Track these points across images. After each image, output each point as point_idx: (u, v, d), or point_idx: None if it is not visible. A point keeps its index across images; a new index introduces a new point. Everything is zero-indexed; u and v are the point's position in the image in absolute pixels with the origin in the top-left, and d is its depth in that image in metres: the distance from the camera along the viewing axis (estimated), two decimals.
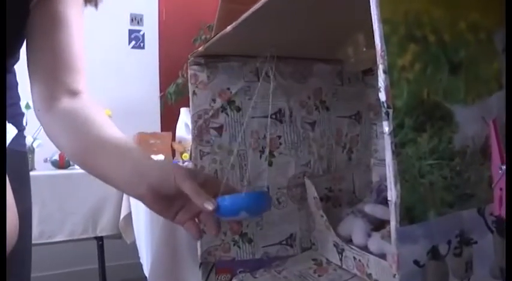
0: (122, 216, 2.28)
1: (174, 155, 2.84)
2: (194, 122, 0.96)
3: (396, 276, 0.47)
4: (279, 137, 1.03)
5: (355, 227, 0.92)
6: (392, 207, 0.46)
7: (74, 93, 0.81)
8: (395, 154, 0.46)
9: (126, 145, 0.76)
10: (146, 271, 1.67)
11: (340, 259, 0.96)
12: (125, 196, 2.26)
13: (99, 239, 2.47)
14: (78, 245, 2.47)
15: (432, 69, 0.50)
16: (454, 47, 0.53)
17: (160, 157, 2.58)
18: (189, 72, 0.95)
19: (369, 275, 0.86)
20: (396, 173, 0.46)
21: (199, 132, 0.96)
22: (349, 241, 0.93)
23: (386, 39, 0.46)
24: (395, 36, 0.47)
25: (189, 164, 2.13)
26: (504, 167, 0.54)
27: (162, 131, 3.26)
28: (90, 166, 0.78)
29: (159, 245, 1.41)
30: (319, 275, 0.96)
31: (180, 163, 2.43)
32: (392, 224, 0.46)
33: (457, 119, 0.52)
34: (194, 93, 0.96)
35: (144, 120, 3.14)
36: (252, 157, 1.01)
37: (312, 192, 1.00)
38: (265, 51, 0.93)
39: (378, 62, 0.46)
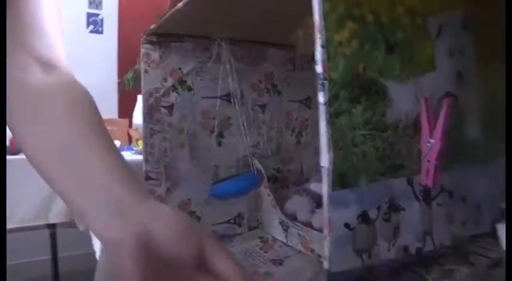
0: None
1: (130, 141, 2.83)
2: (145, 100, 0.97)
3: (328, 238, 0.50)
4: (229, 118, 1.06)
5: (300, 205, 0.96)
6: (324, 172, 0.49)
7: (47, 63, 0.63)
8: (330, 123, 0.49)
9: (116, 162, 0.54)
10: (98, 256, 1.66)
11: (286, 236, 0.99)
12: None
13: (52, 227, 2.42)
14: (29, 235, 2.42)
15: (369, 47, 0.54)
16: (391, 29, 0.57)
17: (116, 144, 2.57)
18: (142, 50, 0.96)
19: (313, 251, 0.89)
20: (330, 141, 0.49)
21: (150, 110, 0.98)
22: (294, 218, 0.97)
23: (324, 15, 0.49)
24: (334, 14, 0.51)
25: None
26: (432, 140, 0.58)
27: (119, 117, 3.24)
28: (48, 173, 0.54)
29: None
30: (265, 252, 0.99)
31: (136, 149, 2.43)
32: (325, 188, 0.50)
33: (391, 95, 0.56)
34: (146, 71, 0.97)
35: (101, 107, 3.06)
36: (201, 137, 1.03)
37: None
38: (218, 33, 0.95)
39: (315, 37, 0.49)
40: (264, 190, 1.02)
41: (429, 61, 0.62)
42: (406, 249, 0.60)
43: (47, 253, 2.53)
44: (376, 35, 0.54)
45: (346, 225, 0.52)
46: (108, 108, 3.24)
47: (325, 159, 0.49)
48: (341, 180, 0.51)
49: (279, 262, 0.91)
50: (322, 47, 0.49)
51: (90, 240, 2.02)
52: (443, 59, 0.64)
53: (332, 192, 0.50)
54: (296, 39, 1.00)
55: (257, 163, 1.04)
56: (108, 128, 2.07)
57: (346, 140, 0.51)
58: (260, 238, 1.06)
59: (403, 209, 0.58)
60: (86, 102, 0.62)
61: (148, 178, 0.98)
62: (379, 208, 0.55)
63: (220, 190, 0.99)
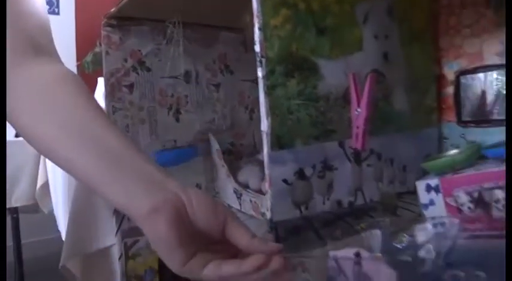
0: (38, 185, 2.20)
1: None
2: (107, 79, 1.04)
3: (269, 192, 0.60)
4: (186, 96, 1.14)
5: (252, 174, 1.05)
6: (264, 136, 0.59)
7: (47, 53, 0.63)
8: (267, 94, 0.59)
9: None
10: (63, 237, 1.70)
11: (240, 204, 1.08)
12: (41, 164, 2.18)
13: (14, 212, 2.36)
14: None
15: (301, 30, 0.63)
16: (321, 15, 0.67)
17: None
18: (103, 33, 1.03)
19: (263, 214, 0.99)
20: (268, 109, 0.59)
21: (112, 89, 1.05)
22: (246, 186, 1.06)
23: (261, 2, 0.58)
24: (270, 1, 0.60)
25: None
26: (359, 109, 0.68)
27: None
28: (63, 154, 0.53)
29: (77, 202, 1.48)
30: None
31: None
32: (265, 150, 0.59)
33: (322, 71, 0.66)
34: (107, 53, 1.04)
35: None
36: (160, 113, 1.11)
37: (215, 145, 1.12)
38: (172, 17, 1.02)
39: (254, 21, 0.58)
40: (219, 162, 1.11)
41: (357, 43, 0.72)
42: (339, 202, 0.70)
43: (9, 239, 2.52)
44: (307, 20, 0.64)
45: (285, 181, 0.62)
46: None
47: (264, 124, 0.59)
48: (279, 142, 0.60)
49: None
50: (260, 29, 0.58)
51: (53, 224, 2.03)
52: (369, 41, 0.75)
53: (271, 152, 0.59)
54: (245, 23, 1.08)
55: (212, 138, 1.13)
56: None
57: (282, 109, 0.61)
58: None
59: (336, 169, 0.68)
60: (87, 90, 0.60)
61: None
62: (314, 167, 0.65)
63: (160, 157, 1.08)
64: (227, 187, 1.11)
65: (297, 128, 0.63)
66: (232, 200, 1.10)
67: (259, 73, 0.59)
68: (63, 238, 1.62)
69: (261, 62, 0.59)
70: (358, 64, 0.72)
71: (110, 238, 1.43)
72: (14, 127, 0.55)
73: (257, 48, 0.59)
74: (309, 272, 0.57)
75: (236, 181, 1.07)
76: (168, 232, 0.46)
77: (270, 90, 0.59)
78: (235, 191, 1.08)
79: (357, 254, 0.57)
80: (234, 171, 1.09)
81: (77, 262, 1.56)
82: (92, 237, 1.47)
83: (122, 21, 1.06)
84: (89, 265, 1.54)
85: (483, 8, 0.87)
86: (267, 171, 0.60)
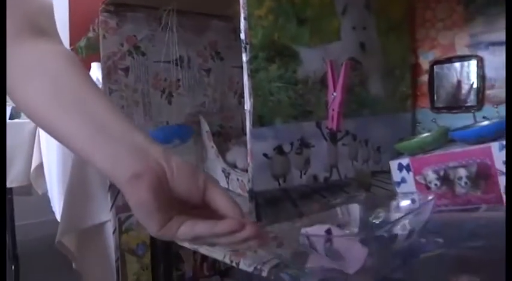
0: (33, 167, 2.22)
1: None
2: (104, 62, 1.11)
3: (250, 165, 0.67)
4: (178, 80, 1.21)
5: (239, 155, 1.12)
6: (247, 114, 0.66)
7: (44, 33, 0.64)
8: (251, 76, 0.66)
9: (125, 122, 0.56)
10: (58, 217, 1.74)
11: (228, 182, 1.15)
12: (35, 146, 2.21)
13: (9, 193, 2.38)
14: None
15: (282, 20, 0.70)
16: (302, 6, 0.73)
17: None
18: (100, 18, 1.09)
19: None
20: (250, 90, 0.66)
21: (108, 71, 1.11)
22: (234, 166, 1.13)
23: None
24: None
25: None
26: (335, 93, 0.75)
27: None
28: (52, 119, 0.57)
29: (72, 179, 1.54)
30: None
31: None
32: (247, 126, 0.66)
33: (301, 57, 0.73)
34: (104, 37, 1.10)
35: None
36: (153, 96, 1.17)
37: (205, 127, 1.19)
38: (167, 5, 1.09)
39: (240, 11, 0.65)
40: (209, 143, 1.18)
41: (335, 33, 0.79)
42: (315, 177, 0.78)
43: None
44: (288, 11, 0.71)
45: (265, 155, 0.69)
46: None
47: (247, 104, 0.66)
48: (260, 120, 0.67)
49: None
50: (245, 19, 0.65)
51: (46, 206, 2.05)
52: (347, 32, 0.82)
53: (253, 129, 0.66)
54: (235, 12, 1.15)
55: (203, 120, 1.20)
56: None
57: (264, 90, 0.68)
58: None
59: (313, 146, 0.75)
60: (81, 65, 0.63)
61: None
62: (292, 144, 0.72)
63: (154, 134, 1.16)
64: (216, 166, 1.18)
65: (277, 108, 0.70)
66: (220, 180, 1.17)
67: (244, 58, 0.66)
68: (58, 218, 1.67)
69: (245, 48, 0.66)
70: (336, 52, 0.79)
71: (104, 214, 1.50)
72: (14, 103, 0.59)
73: (242, 35, 0.66)
74: (282, 247, 0.60)
75: (224, 161, 1.14)
76: (147, 198, 0.48)
77: (253, 73, 0.66)
78: (224, 171, 1.15)
79: (328, 232, 0.60)
80: (222, 152, 1.16)
81: (72, 238, 1.62)
82: (87, 213, 1.53)
83: (118, 7, 1.12)
84: (84, 240, 1.60)
85: (454, 3, 0.94)
86: (248, 146, 0.67)
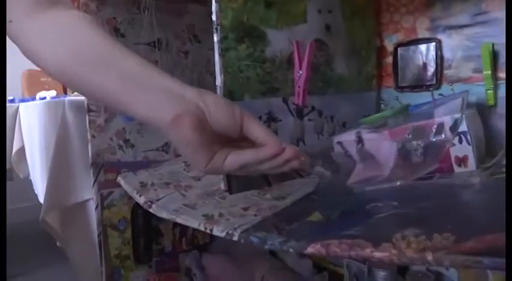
0: (14, 150, 2.24)
1: (66, 92, 2.90)
2: None
3: None
4: (156, 62, 1.26)
5: None
6: (218, 90, 0.72)
7: (58, 1, 0.64)
8: (221, 55, 0.72)
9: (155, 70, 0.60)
10: (41, 200, 1.76)
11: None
12: (16, 130, 2.23)
13: None
14: None
15: (251, 3, 0.76)
16: None
17: (52, 93, 2.65)
18: (81, 1, 1.14)
19: None
20: (221, 68, 0.72)
21: None
22: None
23: None
24: None
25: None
26: (301, 71, 0.82)
27: None
28: (90, 78, 0.59)
29: (56, 158, 1.58)
30: (187, 172, 1.20)
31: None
32: None
33: (269, 38, 0.79)
34: None
35: None
36: None
37: None
38: None
39: None
40: None
41: (301, 16, 0.85)
42: None
43: None
44: None
45: None
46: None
47: (218, 80, 0.72)
48: (230, 95, 0.73)
49: (197, 178, 1.12)
50: (216, 2, 0.71)
51: (27, 192, 2.11)
52: (313, 15, 0.88)
53: None
54: None
55: None
56: (43, 79, 2.14)
57: (233, 68, 0.74)
58: (184, 162, 1.27)
59: (280, 120, 0.82)
60: (101, 26, 0.67)
61: (89, 110, 1.17)
62: (260, 117, 0.79)
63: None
64: None
65: (246, 85, 0.76)
66: None
67: (215, 38, 0.72)
68: (41, 201, 1.71)
69: (216, 29, 0.72)
70: (302, 34, 0.85)
71: (87, 192, 1.55)
72: (42, 68, 0.61)
73: (213, 17, 0.72)
74: (322, 165, 0.64)
75: None
76: (191, 137, 0.52)
77: (223, 52, 0.73)
78: None
79: (358, 135, 0.66)
80: None
81: (56, 216, 1.67)
82: (71, 191, 1.58)
83: None
84: (67, 218, 1.65)
85: None
86: None
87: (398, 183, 0.58)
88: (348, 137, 0.65)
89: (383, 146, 0.58)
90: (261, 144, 0.56)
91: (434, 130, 0.59)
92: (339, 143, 0.62)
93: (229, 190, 0.78)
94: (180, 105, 0.54)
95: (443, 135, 0.84)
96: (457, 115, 0.58)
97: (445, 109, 0.59)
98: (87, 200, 1.57)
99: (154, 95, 0.55)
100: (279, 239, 0.61)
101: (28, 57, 0.61)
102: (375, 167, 0.58)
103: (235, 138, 0.57)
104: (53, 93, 2.68)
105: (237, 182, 0.77)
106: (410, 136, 0.59)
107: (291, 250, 0.59)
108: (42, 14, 0.61)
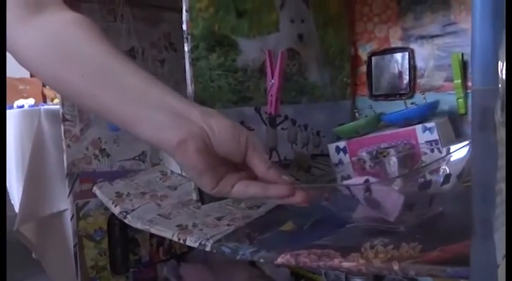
0: None
1: (45, 100, 2.87)
2: None
3: None
4: None
5: None
6: (190, 100, 0.72)
7: (48, 2, 0.62)
8: (192, 64, 0.72)
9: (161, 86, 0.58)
10: (17, 209, 1.74)
11: (180, 169, 1.20)
12: None
13: None
14: None
15: (222, 12, 0.76)
16: (241, 0, 0.80)
17: (30, 101, 2.62)
18: None
19: None
20: (192, 77, 0.72)
21: None
22: None
23: None
24: None
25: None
26: (273, 80, 0.82)
27: (32, 76, 3.26)
28: (93, 95, 0.56)
29: (31, 168, 1.57)
30: (163, 181, 1.20)
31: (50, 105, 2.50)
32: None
33: (241, 47, 0.79)
34: None
35: (12, 65, 3.10)
36: None
37: None
38: None
39: (180, 4, 0.70)
40: None
41: (274, 25, 0.85)
42: None
43: None
44: (228, 4, 0.77)
45: None
46: (20, 67, 3.23)
47: (189, 90, 0.72)
48: (201, 105, 0.73)
49: (173, 188, 1.12)
50: (186, 11, 0.71)
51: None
52: (286, 24, 0.89)
53: None
54: None
55: None
56: (21, 87, 2.13)
57: (204, 77, 0.74)
58: (161, 171, 1.27)
59: (252, 130, 0.82)
60: (99, 30, 0.63)
61: (64, 119, 1.16)
62: None
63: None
64: None
65: (217, 94, 0.76)
66: (174, 166, 1.23)
67: (186, 47, 0.72)
68: (17, 211, 1.69)
69: (187, 38, 0.72)
70: (275, 43, 0.85)
71: (63, 203, 1.53)
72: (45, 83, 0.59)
73: (184, 26, 0.72)
74: (329, 201, 0.63)
75: None
76: (196, 160, 0.51)
77: (194, 61, 0.72)
78: None
79: (366, 181, 0.65)
80: None
81: (32, 227, 1.65)
82: (46, 201, 1.56)
83: None
84: (43, 229, 1.63)
85: (388, 0, 1.02)
86: None
87: (402, 228, 0.60)
88: (356, 183, 0.67)
89: (391, 197, 0.59)
90: (262, 179, 0.55)
91: (441, 180, 0.60)
92: (347, 187, 0.63)
93: (201, 200, 0.78)
94: (184, 128, 0.52)
95: (413, 142, 0.85)
96: (464, 163, 0.60)
97: (454, 160, 0.61)
98: (64, 211, 1.56)
99: (158, 116, 0.53)
100: (250, 249, 0.61)
101: (23, 67, 0.60)
102: (380, 211, 0.60)
103: (240, 164, 0.56)
104: (31, 101, 2.66)
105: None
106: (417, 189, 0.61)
107: (262, 260, 0.60)
108: (32, 20, 0.58)
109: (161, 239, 1.37)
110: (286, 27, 0.88)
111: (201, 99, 0.73)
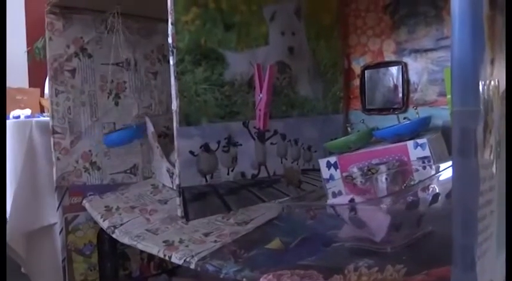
0: None
1: (42, 111, 2.85)
2: (50, 64, 1.13)
3: (177, 161, 0.71)
4: (125, 82, 1.24)
5: None
6: (174, 114, 0.70)
7: None
8: (177, 78, 0.70)
9: None
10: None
11: (172, 182, 1.18)
12: None
13: None
14: None
15: (209, 25, 0.75)
16: (229, 13, 0.78)
17: (27, 112, 2.60)
18: (46, 20, 1.12)
19: None
20: (177, 91, 0.70)
21: (55, 73, 1.14)
22: None
23: (174, 1, 0.69)
24: (182, 1, 0.71)
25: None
26: (261, 95, 0.80)
27: (30, 87, 3.24)
28: None
29: (21, 181, 1.54)
30: (154, 195, 1.18)
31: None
32: (175, 125, 0.71)
33: (228, 61, 0.78)
34: (50, 39, 1.13)
35: (10, 75, 3.09)
36: (100, 98, 1.20)
37: (150, 127, 1.22)
38: (113, 8, 1.12)
39: (168, 17, 0.69)
40: (154, 144, 1.22)
41: (263, 38, 0.84)
42: (243, 174, 0.82)
43: None
44: (216, 17, 0.76)
45: (191, 152, 0.73)
46: (18, 77, 3.22)
47: (174, 104, 0.70)
48: (186, 119, 0.72)
49: (164, 202, 1.11)
50: (172, 24, 0.69)
51: None
52: (276, 37, 0.87)
53: (179, 128, 0.71)
54: None
55: (148, 121, 1.23)
56: (18, 97, 2.10)
57: (190, 91, 0.72)
58: (152, 185, 1.25)
59: (240, 144, 0.80)
60: None
61: (54, 132, 1.15)
62: (218, 142, 0.77)
63: (109, 139, 1.18)
64: (161, 166, 1.21)
65: (203, 109, 0.74)
66: (165, 179, 1.21)
67: (171, 61, 0.71)
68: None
69: (172, 51, 0.70)
70: (264, 56, 0.84)
71: (53, 216, 1.51)
72: None
73: (170, 40, 0.70)
74: (315, 219, 0.63)
75: (169, 161, 1.18)
76: None
77: (179, 75, 0.71)
78: (168, 171, 1.18)
79: (351, 200, 0.65)
80: (167, 152, 1.20)
81: (21, 241, 1.62)
82: (36, 215, 1.54)
83: (64, 9, 1.15)
84: (33, 243, 1.60)
85: (382, 13, 1.01)
86: (175, 143, 0.71)
87: (388, 249, 0.58)
88: (341, 203, 0.65)
89: (377, 217, 0.58)
90: None
91: (430, 199, 0.59)
92: (332, 206, 0.62)
93: (186, 216, 0.76)
94: None
95: (405, 158, 0.84)
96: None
97: (441, 180, 0.60)
98: (54, 224, 1.53)
99: None
100: (234, 268, 0.60)
101: None
102: (366, 231, 0.58)
103: None
104: (28, 112, 2.64)
105: (194, 208, 0.75)
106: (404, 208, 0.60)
107: (244, 279, 0.58)
108: None
109: (152, 254, 1.35)
110: (276, 40, 0.87)
111: (186, 114, 0.72)
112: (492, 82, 0.35)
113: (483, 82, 0.33)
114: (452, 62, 0.33)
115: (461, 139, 0.33)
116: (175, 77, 0.71)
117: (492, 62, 0.36)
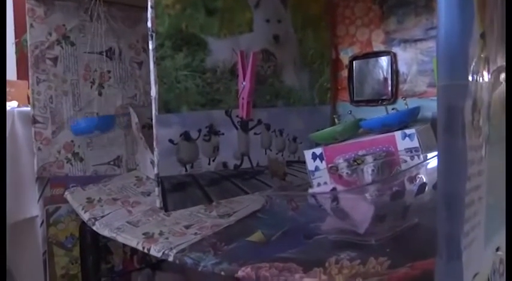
0: None
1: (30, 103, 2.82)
2: (31, 51, 1.10)
3: (155, 150, 0.69)
4: (109, 71, 1.21)
5: None
6: (153, 101, 0.68)
7: None
8: (156, 64, 0.67)
9: None
10: None
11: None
12: None
13: None
14: None
15: (191, 10, 0.72)
16: None
17: (13, 104, 2.57)
18: (27, 6, 1.09)
19: None
20: (156, 77, 0.67)
21: (36, 61, 1.11)
22: None
23: None
24: None
25: None
26: (244, 83, 0.78)
27: (18, 79, 3.21)
28: None
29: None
30: (137, 187, 1.16)
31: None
32: (153, 113, 0.68)
33: (210, 47, 0.75)
34: (32, 26, 1.10)
35: None
36: (83, 87, 1.17)
37: (134, 118, 1.19)
38: None
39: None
40: (138, 135, 1.19)
41: (247, 24, 0.81)
42: (225, 164, 0.80)
43: None
44: (197, 1, 0.73)
45: (170, 140, 0.71)
46: (7, 69, 3.19)
47: (153, 91, 0.68)
48: (166, 106, 0.69)
49: (147, 194, 1.08)
50: (152, 7, 0.67)
51: None
52: (260, 24, 0.85)
53: (158, 115, 0.68)
54: None
55: (133, 112, 1.21)
56: (6, 89, 2.05)
57: (170, 78, 0.70)
58: (136, 177, 1.23)
59: (222, 134, 0.78)
60: None
61: (35, 122, 1.12)
62: (199, 130, 0.75)
63: (78, 126, 1.15)
64: (145, 158, 1.19)
65: (183, 96, 0.72)
66: (149, 171, 1.18)
67: (150, 46, 0.68)
68: None
69: (151, 36, 0.68)
70: (248, 43, 0.81)
71: (36, 208, 1.48)
72: None
73: (149, 24, 0.68)
74: (297, 210, 0.62)
75: (153, 152, 1.15)
76: None
77: (158, 61, 0.68)
78: (152, 162, 1.16)
79: (333, 189, 0.62)
80: (152, 144, 1.17)
81: None
82: (18, 207, 1.51)
83: None
84: (14, 235, 1.57)
85: (370, 2, 0.99)
86: (154, 131, 0.69)
87: (373, 241, 0.56)
88: (323, 192, 0.63)
89: (360, 207, 0.56)
90: None
91: (416, 190, 0.57)
92: (313, 196, 0.60)
93: (165, 207, 0.73)
94: None
95: (392, 149, 0.82)
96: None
97: (428, 169, 0.58)
98: (36, 217, 1.50)
99: None
100: (212, 261, 0.58)
101: None
102: (349, 222, 0.56)
103: None
104: (15, 104, 2.60)
105: (173, 199, 0.73)
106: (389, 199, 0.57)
107: (222, 272, 0.57)
108: None
109: (132, 246, 1.33)
110: (261, 27, 0.84)
111: (166, 101, 0.69)
112: (483, 59, 0.32)
113: (472, 57, 0.31)
114: (438, 33, 0.31)
115: (447, 117, 0.31)
116: (154, 62, 0.68)
117: (483, 36, 0.33)
